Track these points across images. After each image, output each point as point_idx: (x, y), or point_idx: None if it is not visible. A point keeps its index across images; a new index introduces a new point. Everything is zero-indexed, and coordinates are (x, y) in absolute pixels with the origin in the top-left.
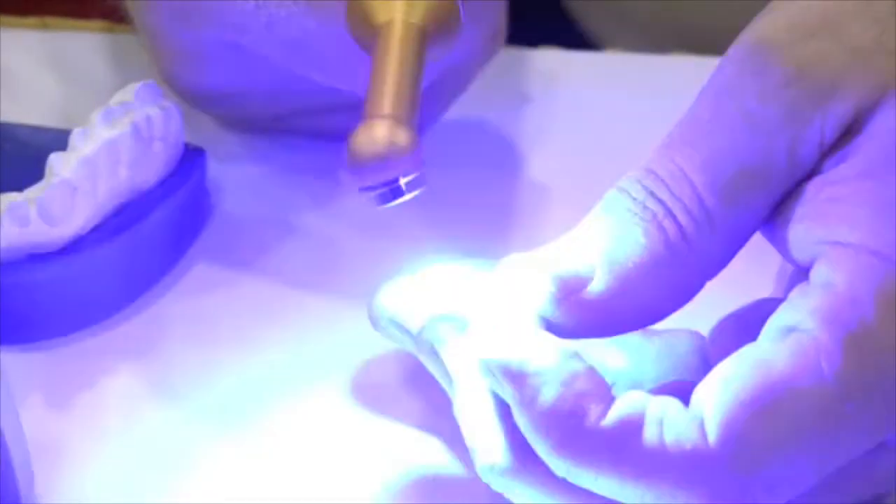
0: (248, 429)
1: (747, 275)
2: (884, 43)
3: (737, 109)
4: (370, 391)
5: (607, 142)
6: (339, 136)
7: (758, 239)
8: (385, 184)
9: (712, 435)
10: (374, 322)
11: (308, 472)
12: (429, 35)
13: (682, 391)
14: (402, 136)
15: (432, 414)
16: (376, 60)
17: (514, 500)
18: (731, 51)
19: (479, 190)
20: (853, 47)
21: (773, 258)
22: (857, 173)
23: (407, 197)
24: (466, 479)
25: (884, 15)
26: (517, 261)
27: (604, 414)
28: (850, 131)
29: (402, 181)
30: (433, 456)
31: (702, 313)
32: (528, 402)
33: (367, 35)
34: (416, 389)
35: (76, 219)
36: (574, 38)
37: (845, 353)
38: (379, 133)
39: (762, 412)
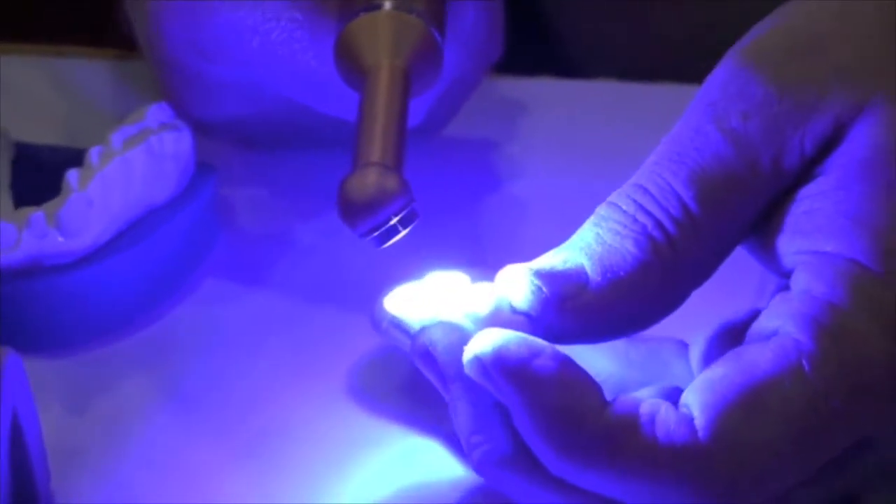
0: (256, 432)
1: (730, 287)
2: (862, 63)
3: (721, 127)
4: (371, 395)
5: (592, 165)
6: (347, 146)
7: (740, 253)
8: (379, 226)
9: (702, 432)
10: (377, 325)
11: (312, 472)
12: (413, 73)
13: (667, 396)
14: (392, 182)
15: (429, 416)
16: (364, 105)
17: (508, 495)
18: (716, 70)
19: (473, 211)
20: (833, 67)
21: (754, 271)
22: (833, 186)
23: (402, 234)
24: (462, 480)
25: (862, 37)
26: (514, 269)
27: (599, 415)
28: (831, 144)
29: (394, 220)
30: (430, 457)
31: (686, 323)
32: (527, 403)
33: (355, 75)
34: (415, 393)
35: (92, 232)
36: (559, 65)
37: (826, 353)
38: (369, 180)
39: (749, 410)
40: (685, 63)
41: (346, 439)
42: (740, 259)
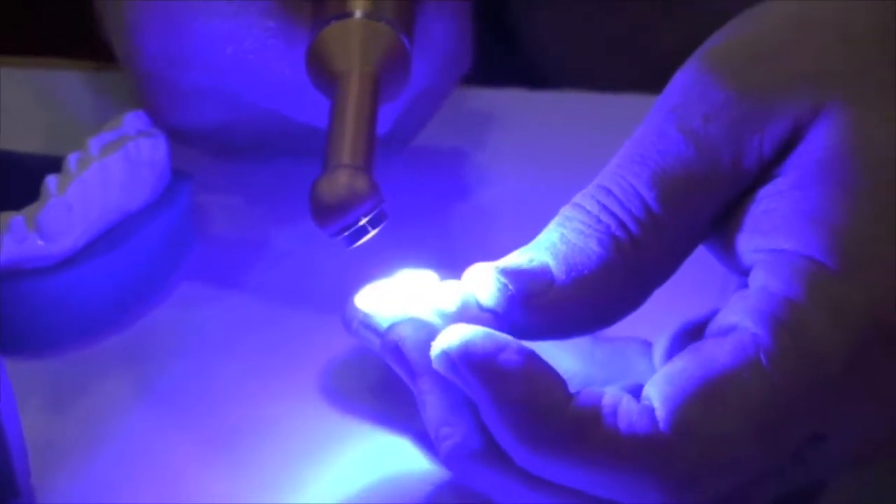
0: (231, 430)
1: (693, 287)
2: (818, 69)
3: (682, 129)
4: (343, 395)
5: (559, 173)
6: (319, 154)
7: (703, 255)
8: (349, 226)
9: (663, 423)
10: (347, 325)
11: (285, 468)
12: (382, 80)
13: (631, 393)
14: (361, 183)
15: (399, 415)
16: (335, 110)
17: (475, 489)
18: (678, 75)
19: (440, 215)
20: (791, 73)
21: (717, 272)
22: (790, 186)
23: (372, 234)
24: (431, 475)
25: (819, 44)
26: (481, 267)
27: (563, 407)
28: (789, 146)
29: (364, 221)
30: (400, 453)
31: (651, 323)
32: (493, 396)
33: (325, 81)
34: (385, 393)
35: (71, 235)
36: (526, 77)
37: (783, 346)
38: (340, 182)
39: (708, 401)
40: (651, 74)
41: (318, 436)
42: (703, 260)
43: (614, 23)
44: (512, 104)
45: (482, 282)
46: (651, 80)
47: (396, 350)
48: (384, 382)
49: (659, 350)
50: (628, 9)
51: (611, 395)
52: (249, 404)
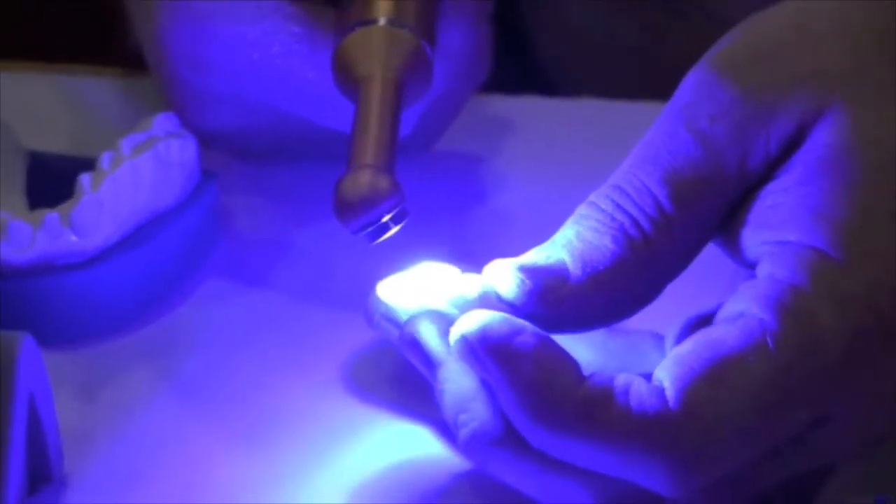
0: (253, 419)
1: (705, 282)
2: (821, 70)
3: (691, 129)
4: (362, 387)
5: (573, 179)
6: (339, 158)
7: (714, 251)
8: (372, 223)
9: (672, 401)
10: (369, 318)
11: (305, 456)
12: (405, 84)
13: None
14: (384, 182)
15: (417, 405)
16: (359, 113)
17: (493, 475)
18: (687, 77)
19: (458, 218)
20: (795, 74)
21: (727, 268)
22: (795, 183)
23: (393, 230)
24: (448, 462)
25: (821, 46)
26: (500, 263)
27: (576, 387)
28: (793, 145)
29: (386, 218)
30: (418, 441)
31: (664, 317)
32: (509, 377)
33: (349, 86)
34: (404, 385)
35: (102, 232)
36: (542, 85)
37: (788, 330)
38: (363, 180)
39: (715, 382)
40: (662, 82)
41: (337, 426)
42: (713, 256)
43: (626, 31)
44: (528, 111)
45: (501, 277)
46: (662, 87)
47: (414, 342)
48: (403, 375)
49: (670, 341)
50: (640, 17)
51: (623, 377)
52: (270, 395)
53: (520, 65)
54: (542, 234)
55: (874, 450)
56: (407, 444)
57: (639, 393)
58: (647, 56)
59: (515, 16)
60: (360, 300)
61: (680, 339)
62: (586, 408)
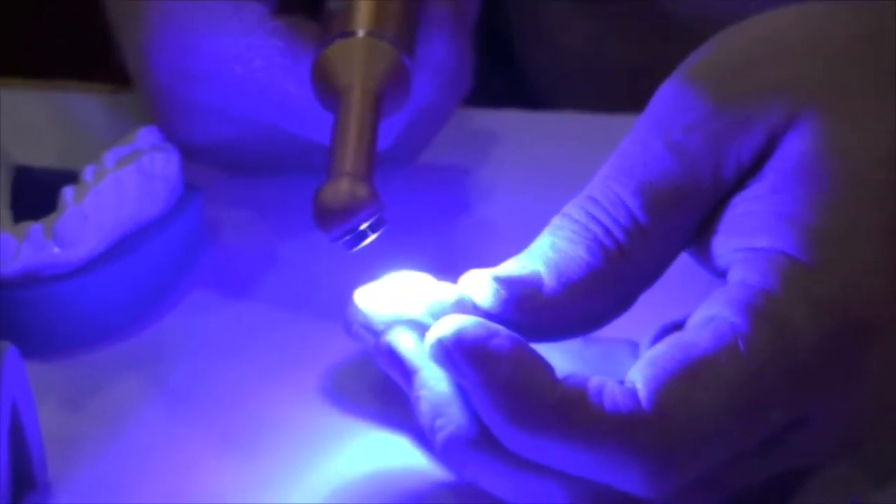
0: (239, 428)
1: (678, 291)
2: (792, 80)
3: (665, 140)
4: (344, 395)
5: (556, 191)
6: (322, 171)
7: (689, 261)
8: (350, 231)
9: (645, 402)
10: (348, 328)
11: (289, 462)
12: (384, 95)
13: None
14: (363, 190)
15: (397, 414)
16: (338, 122)
17: (471, 481)
18: (662, 89)
19: (440, 229)
20: (766, 84)
21: (700, 276)
22: (767, 191)
23: (371, 238)
24: (427, 470)
25: (792, 57)
26: (476, 273)
27: (551, 389)
28: (764, 154)
29: (365, 226)
30: (397, 449)
31: (637, 325)
32: (484, 380)
33: (329, 97)
34: (384, 394)
35: (86, 244)
36: (526, 98)
37: (759, 333)
38: (342, 189)
39: (688, 382)
40: (648, 97)
41: (321, 434)
42: (689, 265)
43: (612, 46)
44: (512, 124)
45: (477, 287)
46: (647, 102)
47: (390, 351)
48: (383, 383)
49: (645, 348)
50: (625, 33)
51: (597, 378)
52: (255, 404)
53: (506, 78)
54: (524, 246)
55: (851, 451)
56: (387, 452)
57: (612, 394)
58: (632, 71)
59: (501, 29)
60: (343, 309)
61: (654, 345)
62: (560, 409)
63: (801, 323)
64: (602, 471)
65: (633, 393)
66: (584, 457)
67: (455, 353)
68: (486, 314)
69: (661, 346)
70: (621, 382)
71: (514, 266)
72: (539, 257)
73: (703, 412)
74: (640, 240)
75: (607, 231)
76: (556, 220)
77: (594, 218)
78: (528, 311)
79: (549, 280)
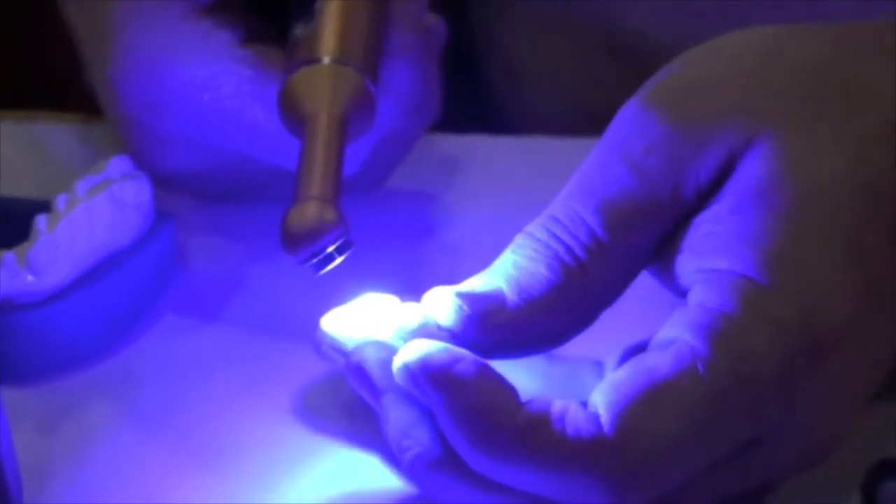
0: (211, 450)
1: (641, 310)
2: (749, 102)
3: (625, 161)
4: (314, 416)
5: (520, 213)
6: (289, 199)
7: (649, 278)
8: (317, 253)
9: (607, 427)
10: (317, 349)
11: (259, 483)
12: (349, 121)
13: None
14: (329, 213)
15: (366, 433)
16: (305, 148)
17: (437, 499)
18: (622, 111)
19: (410, 254)
20: (724, 107)
21: (663, 295)
22: (727, 212)
23: (338, 261)
24: (396, 488)
25: (749, 80)
26: (439, 291)
27: (514, 413)
28: (723, 175)
29: (331, 248)
30: (367, 468)
31: (601, 343)
32: (449, 404)
33: (296, 123)
34: (354, 413)
35: (59, 272)
36: (491, 124)
37: (718, 357)
38: (309, 212)
39: (649, 406)
40: (608, 120)
41: (291, 454)
42: (653, 284)
43: (576, 73)
44: (475, 149)
45: (440, 304)
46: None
47: (360, 371)
48: (353, 403)
49: (609, 368)
50: (590, 62)
51: (560, 403)
52: (227, 426)
53: (472, 105)
54: (487, 265)
55: (813, 466)
56: (358, 471)
57: (575, 419)
58: (594, 95)
59: (467, 56)
60: (313, 331)
61: (618, 367)
62: (523, 434)
63: (760, 344)
64: (566, 493)
65: (595, 418)
66: (548, 480)
67: (420, 378)
68: (451, 333)
69: (622, 371)
70: (584, 404)
71: (477, 283)
72: (501, 275)
73: (664, 436)
74: (600, 257)
75: (568, 248)
76: (519, 239)
77: (555, 236)
78: (490, 327)
79: (511, 296)
